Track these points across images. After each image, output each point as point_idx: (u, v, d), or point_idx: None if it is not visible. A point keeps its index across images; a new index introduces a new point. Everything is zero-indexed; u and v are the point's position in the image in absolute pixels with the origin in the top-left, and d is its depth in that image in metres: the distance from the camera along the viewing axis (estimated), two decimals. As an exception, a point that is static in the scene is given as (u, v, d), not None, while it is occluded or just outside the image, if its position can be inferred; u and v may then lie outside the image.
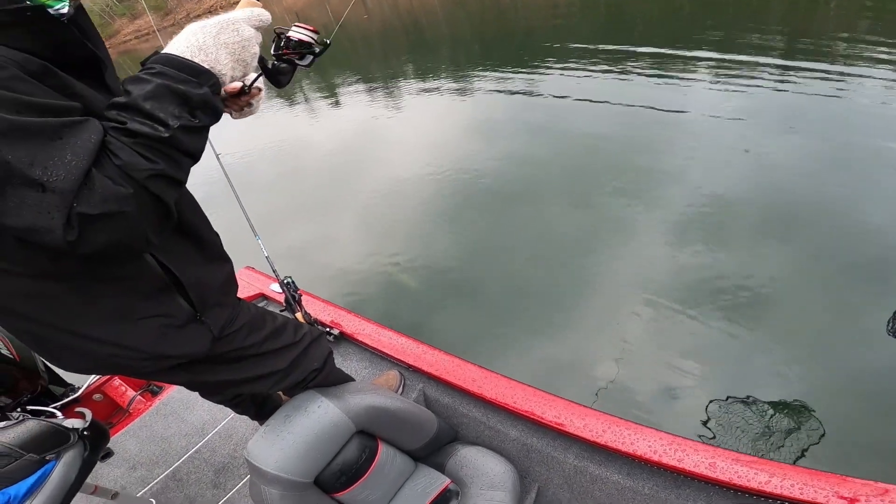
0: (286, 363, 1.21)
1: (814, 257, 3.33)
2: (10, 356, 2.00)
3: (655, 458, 1.36)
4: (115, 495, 1.71)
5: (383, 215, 4.90)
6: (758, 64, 6.31)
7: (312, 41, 0.88)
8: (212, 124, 0.73)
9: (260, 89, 0.88)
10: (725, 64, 6.50)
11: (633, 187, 4.41)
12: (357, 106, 8.65)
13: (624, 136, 5.35)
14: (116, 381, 2.37)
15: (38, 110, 0.59)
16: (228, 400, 1.51)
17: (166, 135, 0.65)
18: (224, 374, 1.11)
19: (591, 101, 6.41)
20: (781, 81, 5.79)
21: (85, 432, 1.42)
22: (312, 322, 1.99)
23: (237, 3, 0.82)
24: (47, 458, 1.36)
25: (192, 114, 0.68)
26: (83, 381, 2.29)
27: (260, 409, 1.65)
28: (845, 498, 1.21)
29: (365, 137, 7.17)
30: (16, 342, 2.03)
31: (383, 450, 1.46)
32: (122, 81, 0.71)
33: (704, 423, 2.48)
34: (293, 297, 1.93)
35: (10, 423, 1.31)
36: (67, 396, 2.25)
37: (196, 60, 0.70)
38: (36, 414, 1.94)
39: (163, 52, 0.71)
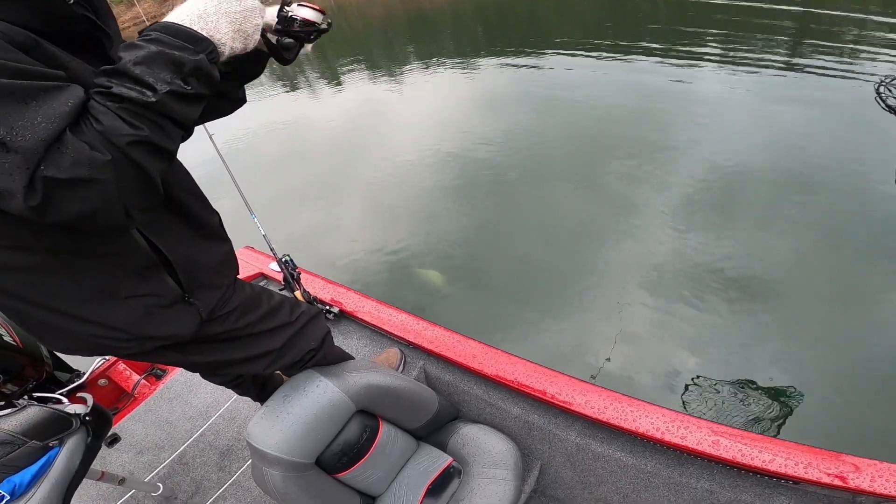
0: (281, 343, 1.20)
1: (824, 236, 3.29)
2: (13, 343, 2.00)
3: (658, 435, 1.35)
4: (122, 481, 1.73)
5: (388, 196, 4.87)
6: (768, 40, 6.19)
7: (317, 21, 0.87)
8: (207, 94, 0.71)
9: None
10: (734, 39, 6.37)
11: (640, 165, 4.37)
12: (360, 87, 8.57)
13: (631, 113, 5.29)
14: (121, 365, 2.38)
15: (10, 73, 0.57)
16: (229, 381, 1.51)
17: (153, 99, 0.63)
18: (216, 354, 1.10)
19: (596, 79, 6.33)
20: (791, 56, 5.67)
21: (87, 417, 1.43)
22: (312, 300, 1.98)
23: None
24: (50, 444, 1.37)
25: (185, 80, 0.66)
26: (88, 367, 2.30)
27: (261, 390, 1.65)
28: (850, 478, 1.19)
29: (369, 119, 7.11)
30: (17, 329, 2.03)
31: (385, 429, 1.46)
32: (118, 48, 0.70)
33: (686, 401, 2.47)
34: (291, 275, 1.93)
35: (10, 410, 1.32)
36: (73, 382, 2.26)
37: (195, 28, 0.69)
38: (42, 401, 1.95)
39: (163, 20, 0.70)
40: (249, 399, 1.86)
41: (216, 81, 0.72)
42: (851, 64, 5.35)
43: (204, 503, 1.85)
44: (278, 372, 1.66)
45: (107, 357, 2.31)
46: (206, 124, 1.41)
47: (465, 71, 7.87)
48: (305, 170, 5.94)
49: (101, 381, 2.34)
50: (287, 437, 1.20)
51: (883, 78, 2.24)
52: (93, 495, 1.92)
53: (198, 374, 1.59)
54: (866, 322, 2.75)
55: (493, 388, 1.70)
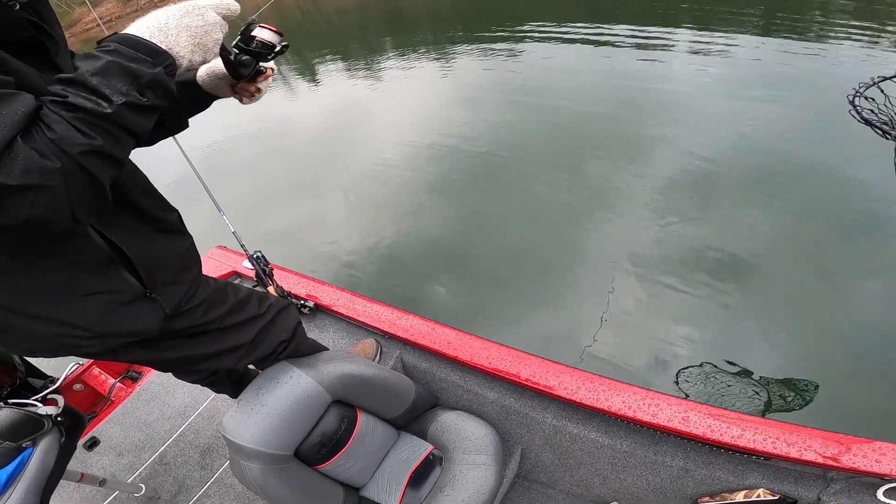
0: (251, 335, 1.20)
1: (800, 218, 3.38)
2: (-18, 351, 1.96)
3: (630, 413, 1.38)
4: (103, 482, 1.72)
5: (371, 191, 4.86)
6: (736, 31, 6.31)
7: (275, 43, 0.91)
8: (163, 106, 0.72)
9: (273, 70, 0.94)
10: (705, 31, 6.48)
11: (619, 154, 4.42)
12: (338, 84, 8.50)
13: (608, 102, 5.35)
14: (95, 369, 2.35)
15: None
16: (203, 379, 1.50)
17: (108, 110, 0.63)
18: (184, 349, 1.10)
19: (573, 68, 6.38)
20: (760, 47, 5.79)
21: (59, 418, 1.43)
22: (286, 295, 1.98)
23: None
24: (24, 445, 1.36)
25: (141, 92, 0.67)
26: (61, 372, 2.26)
27: (237, 386, 1.65)
28: (818, 452, 1.22)
29: (348, 114, 7.07)
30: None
31: (363, 419, 1.47)
32: (74, 58, 0.71)
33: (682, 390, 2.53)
34: (264, 271, 1.93)
35: (-19, 413, 1.30)
36: (47, 388, 2.23)
37: (154, 41, 0.70)
38: (16, 406, 1.93)
39: (123, 31, 0.71)
40: (226, 396, 1.85)
41: (173, 94, 0.73)
42: (820, 51, 5.49)
43: (188, 502, 1.85)
44: (252, 367, 1.66)
45: (80, 361, 2.28)
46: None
47: (443, 62, 7.87)
48: (286, 168, 5.89)
49: (77, 386, 2.31)
50: (263, 430, 1.20)
51: (857, 88, 2.00)
52: (76, 498, 1.91)
53: (172, 374, 1.58)
54: (839, 300, 2.83)
55: (470, 374, 1.71)
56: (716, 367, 2.59)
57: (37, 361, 2.19)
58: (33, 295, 0.83)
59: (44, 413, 1.37)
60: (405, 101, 6.91)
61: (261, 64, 0.93)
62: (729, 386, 2.49)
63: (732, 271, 3.09)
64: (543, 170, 4.50)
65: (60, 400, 1.45)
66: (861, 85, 2.01)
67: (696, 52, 5.99)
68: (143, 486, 1.90)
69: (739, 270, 3.10)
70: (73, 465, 1.99)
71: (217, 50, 0.79)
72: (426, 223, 4.21)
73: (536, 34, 7.91)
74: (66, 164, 0.62)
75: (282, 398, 1.23)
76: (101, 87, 0.63)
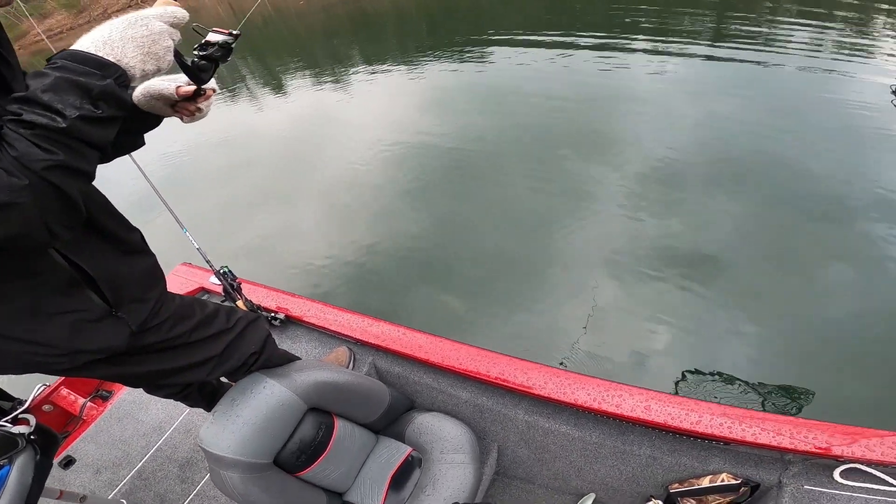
0: (221, 348, 1.23)
1: (765, 209, 3.55)
2: (-53, 375, 1.91)
3: (596, 405, 1.44)
4: (83, 499, 1.70)
5: (344, 201, 4.84)
6: (692, 31, 6.56)
7: (229, 44, 0.93)
8: (119, 116, 0.74)
9: (214, 90, 0.93)
10: (662, 36, 6.73)
11: (588, 154, 4.54)
12: (305, 93, 8.43)
13: (575, 104, 5.48)
14: (64, 389, 2.31)
15: None
16: (175, 393, 1.51)
17: (64, 125, 0.65)
18: (152, 364, 1.12)
19: (540, 72, 6.51)
20: (715, 47, 6.05)
21: (32, 436, 1.43)
22: (255, 309, 1.99)
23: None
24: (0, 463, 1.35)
25: (95, 105, 0.69)
26: (28, 395, 2.22)
27: (211, 400, 1.65)
28: (773, 436, 1.27)
29: (316, 123, 7.03)
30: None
31: (340, 425, 1.50)
32: (26, 77, 0.71)
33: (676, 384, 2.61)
34: (231, 286, 1.93)
35: (-45, 437, 1.30)
36: (17, 409, 2.18)
37: (100, 54, 0.71)
38: (-13, 429, 1.89)
39: (70, 47, 0.72)
40: (202, 411, 1.85)
41: (127, 104, 0.75)
42: (769, 44, 5.78)
43: None
44: (226, 380, 1.66)
45: (47, 382, 2.25)
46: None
47: (412, 69, 7.91)
48: (255, 179, 5.81)
49: (46, 407, 2.27)
50: (240, 439, 1.22)
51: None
52: None
53: (143, 390, 1.57)
54: (805, 287, 2.97)
55: (442, 376, 1.76)
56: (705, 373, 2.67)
57: (3, 385, 2.14)
58: (1, 315, 0.84)
59: (17, 432, 1.36)
60: (373, 108, 6.92)
61: (203, 87, 0.93)
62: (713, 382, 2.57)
63: (703, 264, 3.22)
64: (514, 171, 4.59)
65: (32, 419, 1.44)
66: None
67: (655, 54, 6.21)
68: (123, 501, 1.88)
69: (710, 263, 3.22)
70: (50, 482, 1.97)
71: (169, 57, 0.81)
72: (401, 229, 4.23)
73: (504, 39, 8.04)
74: (33, 180, 0.63)
75: (257, 408, 1.25)
76: (53, 102, 0.65)
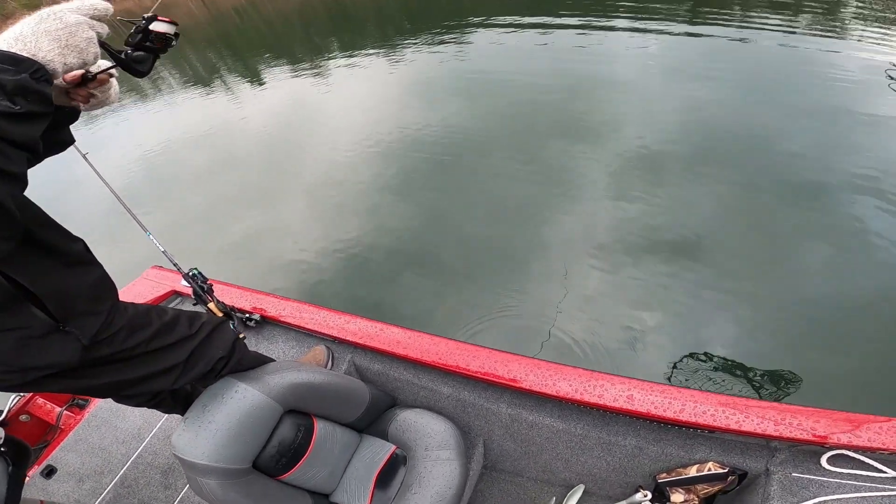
0: (185, 355, 1.19)
1: (746, 189, 3.57)
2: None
3: (578, 396, 1.42)
4: None
5: (328, 195, 4.78)
6: (669, 20, 6.57)
7: (171, 34, 0.90)
8: (41, 111, 0.72)
9: (111, 76, 0.87)
10: (641, 21, 6.71)
11: (571, 141, 4.53)
12: (285, 86, 8.30)
13: (557, 91, 5.46)
14: (39, 399, 2.26)
15: None
16: (146, 402, 1.47)
17: None
18: (110, 375, 1.08)
19: (521, 59, 6.48)
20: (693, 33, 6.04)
21: (2, 449, 1.39)
22: (228, 311, 1.94)
23: None
24: (-29, 476, 1.32)
25: (12, 100, 0.67)
26: (4, 405, 2.17)
27: (186, 405, 1.61)
28: (758, 422, 1.26)
29: (298, 117, 6.92)
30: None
31: (320, 426, 1.47)
32: None
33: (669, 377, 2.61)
34: (202, 288, 1.88)
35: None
36: (-9, 422, 2.13)
37: (13, 50, 0.70)
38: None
39: None
40: (180, 416, 1.81)
41: (48, 98, 0.72)
42: (745, 30, 5.79)
43: None
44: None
45: (22, 393, 2.19)
46: (77, 143, 1.33)
47: (391, 57, 7.81)
48: (235, 177, 5.70)
49: (23, 417, 2.22)
50: (214, 445, 1.18)
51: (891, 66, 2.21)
52: None
53: (112, 400, 1.53)
54: (787, 268, 3.00)
55: (422, 371, 1.73)
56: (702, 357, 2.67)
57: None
58: None
59: (-16, 446, 1.32)
60: (354, 100, 6.84)
61: (90, 70, 0.85)
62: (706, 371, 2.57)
63: (686, 247, 3.23)
64: (497, 159, 4.56)
65: (1, 431, 1.41)
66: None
67: (635, 37, 6.19)
68: None
69: (693, 245, 3.24)
70: (34, 493, 1.94)
71: (94, 49, 0.78)
72: (384, 221, 4.19)
73: (482, 26, 7.96)
74: None
75: (229, 413, 1.22)
76: None
